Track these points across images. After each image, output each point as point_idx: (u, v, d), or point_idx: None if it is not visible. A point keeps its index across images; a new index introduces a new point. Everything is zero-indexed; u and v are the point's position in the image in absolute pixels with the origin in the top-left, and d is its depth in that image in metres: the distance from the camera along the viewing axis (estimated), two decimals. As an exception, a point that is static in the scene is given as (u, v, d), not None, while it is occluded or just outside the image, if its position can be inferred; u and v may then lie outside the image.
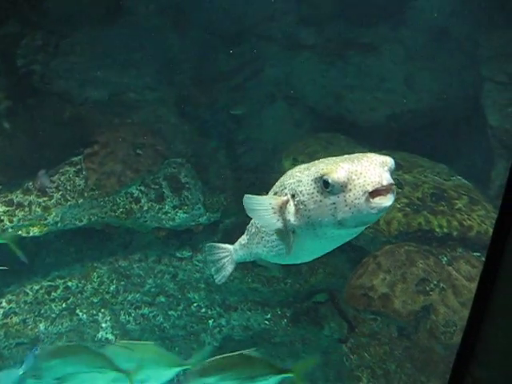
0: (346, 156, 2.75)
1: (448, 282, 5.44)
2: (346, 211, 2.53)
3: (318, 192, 2.64)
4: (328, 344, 6.89)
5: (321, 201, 2.62)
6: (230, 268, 3.95)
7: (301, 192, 2.74)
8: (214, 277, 3.94)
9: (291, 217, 2.81)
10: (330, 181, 2.56)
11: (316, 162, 2.88)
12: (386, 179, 2.51)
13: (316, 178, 2.65)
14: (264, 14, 8.41)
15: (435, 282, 5.45)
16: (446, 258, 5.69)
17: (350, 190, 2.52)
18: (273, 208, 2.91)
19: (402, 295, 5.41)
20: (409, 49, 8.22)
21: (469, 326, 1.46)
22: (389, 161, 2.62)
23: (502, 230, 1.37)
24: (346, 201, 2.53)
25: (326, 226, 2.66)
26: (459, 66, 8.10)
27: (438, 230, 5.90)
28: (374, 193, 2.49)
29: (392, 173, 2.60)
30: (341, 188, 2.54)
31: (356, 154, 2.71)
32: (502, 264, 1.37)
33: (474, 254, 5.79)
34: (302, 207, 2.73)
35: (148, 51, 8.14)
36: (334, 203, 2.57)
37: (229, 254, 3.91)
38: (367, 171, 2.52)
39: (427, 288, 5.43)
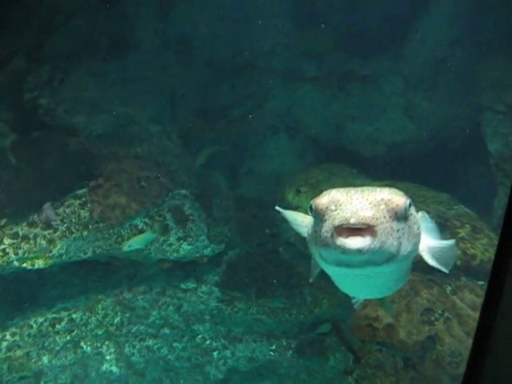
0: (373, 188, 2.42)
1: (453, 311, 5.42)
2: (319, 243, 2.25)
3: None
4: (333, 375, 6.84)
5: (312, 226, 2.40)
6: None
7: None
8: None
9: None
10: (312, 206, 2.34)
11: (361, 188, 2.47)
12: (357, 217, 2.14)
13: None
14: (265, 47, 8.55)
15: (440, 312, 5.43)
16: (450, 288, 5.68)
17: (326, 220, 2.24)
18: (306, 226, 2.70)
19: (406, 325, 5.39)
20: (408, 80, 8.34)
21: (471, 358, 1.47)
22: (393, 200, 2.25)
23: (502, 258, 1.39)
24: (320, 231, 2.24)
25: (316, 255, 2.41)
26: (458, 96, 8.20)
27: (441, 259, 5.89)
28: (349, 231, 2.15)
29: (397, 215, 2.23)
30: (318, 216, 2.29)
31: (373, 187, 2.38)
32: (502, 296, 1.39)
33: (479, 282, 5.78)
34: (307, 230, 2.57)
35: (152, 84, 8.27)
36: (315, 231, 2.32)
37: None
38: (347, 203, 2.21)
39: (432, 318, 5.41)
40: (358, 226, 2.14)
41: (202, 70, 8.58)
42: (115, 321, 7.29)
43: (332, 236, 2.16)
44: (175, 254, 7.26)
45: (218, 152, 8.36)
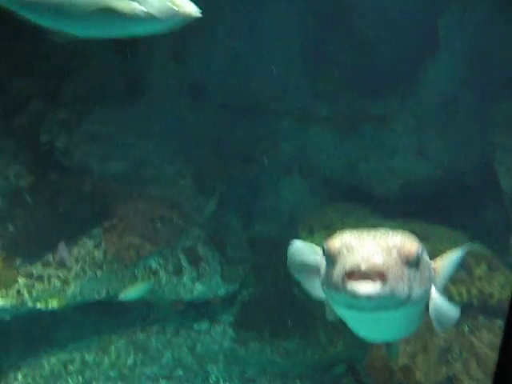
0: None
1: (470, 351, 5.35)
2: (330, 286, 2.27)
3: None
4: (350, 418, 6.72)
5: (325, 267, 2.42)
6: None
7: None
8: None
9: None
10: (324, 247, 2.38)
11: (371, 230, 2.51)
12: (368, 263, 2.15)
13: None
14: (277, 88, 8.68)
15: (457, 352, 5.36)
16: (467, 327, 5.62)
17: (337, 263, 2.26)
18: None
19: (423, 366, 5.32)
20: (420, 119, 8.40)
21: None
22: (406, 246, 2.28)
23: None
24: (332, 274, 2.26)
25: (327, 296, 2.44)
26: (470, 134, 8.23)
27: (457, 298, 5.85)
28: (360, 275, 2.16)
29: (408, 261, 2.26)
30: (330, 258, 2.32)
31: (387, 231, 2.42)
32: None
33: (497, 322, 5.71)
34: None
35: (166, 126, 8.40)
36: (327, 273, 2.34)
37: None
38: (360, 248, 2.23)
39: (449, 358, 5.34)
40: (371, 272, 2.16)
41: (216, 111, 8.71)
42: (128, 362, 7.24)
43: (343, 280, 2.18)
44: (189, 295, 7.25)
45: (229, 193, 8.41)
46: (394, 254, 2.23)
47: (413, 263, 2.28)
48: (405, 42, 7.87)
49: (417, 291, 2.31)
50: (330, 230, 7.31)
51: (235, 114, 8.68)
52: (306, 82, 8.67)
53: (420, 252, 2.31)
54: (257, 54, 8.24)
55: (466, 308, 5.82)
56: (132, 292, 6.75)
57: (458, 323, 5.64)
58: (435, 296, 2.67)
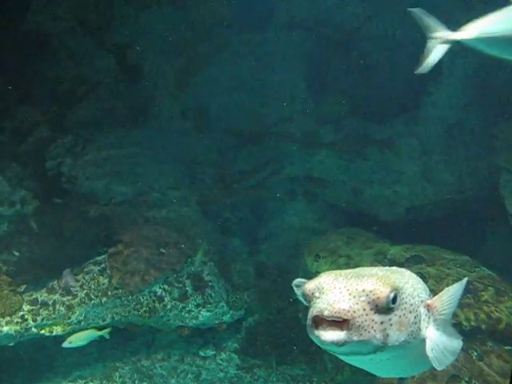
0: (375, 269, 2.42)
1: (480, 378, 5.26)
2: (307, 328, 2.25)
3: None
4: None
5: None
6: None
7: None
8: None
9: None
10: (302, 288, 2.34)
11: (358, 269, 2.47)
12: (331, 310, 2.13)
13: None
14: (283, 114, 8.74)
15: (467, 379, 5.28)
16: (476, 353, 5.54)
17: (310, 306, 2.24)
18: None
19: (432, 393, 5.24)
20: (424, 143, 8.43)
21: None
22: (375, 292, 2.19)
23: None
24: (307, 316, 2.24)
25: None
26: (475, 158, 8.25)
27: (465, 323, 5.78)
28: (325, 320, 2.14)
29: (378, 308, 2.17)
30: (306, 301, 2.31)
31: (375, 270, 2.37)
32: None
33: (506, 347, 5.63)
34: None
35: (171, 152, 8.45)
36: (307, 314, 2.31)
37: None
38: (329, 292, 2.20)
39: (459, 386, 5.25)
40: (332, 319, 2.13)
41: (220, 136, 8.77)
42: (133, 389, 7.18)
43: (312, 326, 2.18)
44: (194, 321, 7.21)
45: (234, 219, 8.42)
46: (363, 299, 2.17)
47: (383, 309, 2.19)
48: (408, 66, 7.92)
49: (396, 336, 2.21)
50: (336, 255, 7.30)
51: (240, 138, 8.74)
52: (312, 107, 8.73)
53: (391, 298, 2.21)
54: (262, 79, 8.31)
55: (474, 333, 5.75)
56: (77, 339, 6.49)
57: (467, 348, 5.57)
58: (432, 335, 2.54)
